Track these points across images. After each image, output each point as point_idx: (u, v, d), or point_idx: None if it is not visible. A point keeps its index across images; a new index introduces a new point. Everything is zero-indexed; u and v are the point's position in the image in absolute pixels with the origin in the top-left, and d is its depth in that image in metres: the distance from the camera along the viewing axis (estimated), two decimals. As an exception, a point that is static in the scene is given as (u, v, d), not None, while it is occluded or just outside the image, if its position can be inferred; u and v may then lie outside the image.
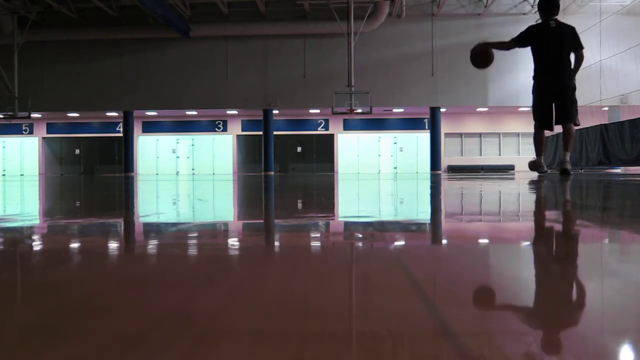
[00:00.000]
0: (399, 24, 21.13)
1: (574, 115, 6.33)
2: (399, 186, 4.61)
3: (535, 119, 6.66)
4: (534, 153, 6.86)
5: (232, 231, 1.44)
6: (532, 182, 5.02)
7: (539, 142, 6.72)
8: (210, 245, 1.13)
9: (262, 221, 1.69)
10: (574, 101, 6.40)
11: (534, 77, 6.66)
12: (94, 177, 12.87)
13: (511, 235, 1.29)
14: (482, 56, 6.46)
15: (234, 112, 23.13)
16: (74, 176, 17.50)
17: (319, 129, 24.14)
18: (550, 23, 6.52)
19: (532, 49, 6.54)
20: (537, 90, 6.57)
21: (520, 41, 6.60)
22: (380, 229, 1.37)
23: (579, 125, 6.57)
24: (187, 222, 1.63)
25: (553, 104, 6.38)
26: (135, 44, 21.69)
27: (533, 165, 7.01)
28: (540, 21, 6.69)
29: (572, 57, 6.44)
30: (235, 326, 0.51)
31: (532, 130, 6.94)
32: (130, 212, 2.12)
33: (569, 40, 6.38)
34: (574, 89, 6.39)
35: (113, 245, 1.15)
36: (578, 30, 6.75)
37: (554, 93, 6.33)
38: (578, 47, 6.37)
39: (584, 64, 6.68)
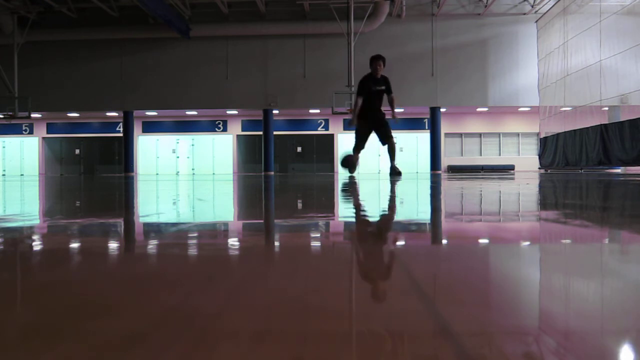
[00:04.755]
0: (399, 24, 21.11)
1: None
2: (399, 186, 4.61)
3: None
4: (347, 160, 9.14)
5: (232, 231, 1.44)
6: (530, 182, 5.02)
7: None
8: (211, 246, 1.13)
9: (262, 221, 1.69)
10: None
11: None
12: (94, 177, 12.87)
13: (510, 234, 1.29)
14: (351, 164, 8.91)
15: (234, 112, 23.12)
16: (74, 176, 17.50)
17: (319, 129, 24.13)
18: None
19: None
20: None
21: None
22: (380, 229, 1.37)
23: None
24: (187, 222, 1.63)
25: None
26: (135, 44, 21.68)
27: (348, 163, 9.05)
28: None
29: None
30: (236, 326, 0.51)
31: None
32: (130, 212, 2.12)
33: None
34: None
35: (113, 245, 1.15)
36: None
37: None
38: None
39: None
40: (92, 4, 19.84)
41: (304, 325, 0.51)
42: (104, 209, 2.28)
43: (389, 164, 9.01)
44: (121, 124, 22.93)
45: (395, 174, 8.82)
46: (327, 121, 23.91)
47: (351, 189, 4.10)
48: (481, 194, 3.14)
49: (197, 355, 0.42)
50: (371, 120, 8.54)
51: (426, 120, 22.83)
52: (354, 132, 8.89)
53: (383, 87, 8.51)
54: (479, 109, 22.39)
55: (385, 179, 7.24)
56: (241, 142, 24.88)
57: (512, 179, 7.26)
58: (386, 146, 8.71)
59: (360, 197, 3.02)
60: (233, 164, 24.69)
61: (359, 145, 8.78)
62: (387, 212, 1.99)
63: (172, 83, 21.58)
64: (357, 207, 2.22)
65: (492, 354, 0.43)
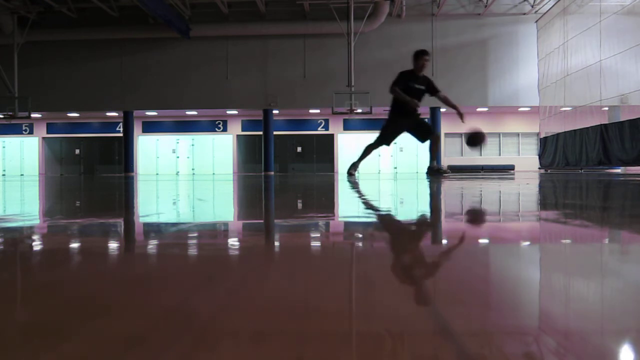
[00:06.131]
0: (399, 24, 21.11)
1: None
2: (399, 186, 4.61)
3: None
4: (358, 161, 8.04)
5: (232, 231, 1.44)
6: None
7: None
8: (211, 245, 1.13)
9: (262, 221, 1.69)
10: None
11: None
12: (93, 177, 12.87)
13: (510, 234, 1.29)
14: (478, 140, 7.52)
15: (234, 112, 23.12)
16: (74, 176, 17.50)
17: (319, 129, 24.12)
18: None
19: None
20: None
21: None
22: (380, 229, 1.37)
23: None
24: (187, 222, 1.63)
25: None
26: (135, 44, 21.68)
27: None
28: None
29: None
30: (236, 326, 0.51)
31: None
32: (130, 212, 2.12)
33: None
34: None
35: (113, 245, 1.15)
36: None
37: None
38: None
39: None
40: (92, 4, 19.84)
41: (303, 325, 0.51)
42: (104, 209, 2.28)
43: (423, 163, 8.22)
44: (121, 124, 22.93)
45: (434, 172, 7.71)
46: (327, 121, 23.91)
47: (358, 189, 4.10)
48: (481, 194, 3.14)
49: (197, 355, 0.42)
50: (409, 119, 7.55)
51: (426, 120, 22.80)
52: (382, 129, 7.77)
53: (423, 87, 7.54)
54: (478, 109, 22.39)
55: (397, 180, 7.24)
56: (241, 142, 24.87)
57: (512, 179, 7.26)
58: (427, 142, 7.72)
59: (365, 197, 3.02)
60: (233, 164, 24.69)
61: (386, 139, 7.64)
62: (387, 212, 1.99)
63: (172, 83, 21.58)
64: (359, 207, 2.22)
65: (492, 354, 0.43)
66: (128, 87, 21.82)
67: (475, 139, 7.44)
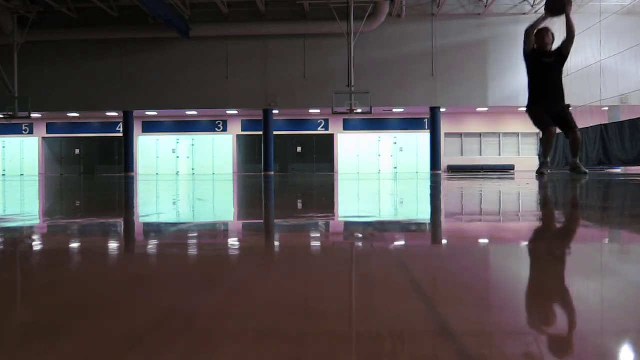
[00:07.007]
0: (399, 24, 21.11)
1: None
2: (399, 186, 4.61)
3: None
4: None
5: (232, 231, 1.44)
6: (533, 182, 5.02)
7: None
8: (211, 246, 1.13)
9: (262, 221, 1.69)
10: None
11: None
12: (93, 177, 12.87)
13: (509, 235, 1.29)
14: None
15: (234, 112, 23.12)
16: (74, 176, 17.49)
17: (319, 129, 24.12)
18: None
19: None
20: None
21: None
22: (380, 229, 1.37)
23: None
24: (187, 222, 1.63)
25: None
26: (135, 44, 21.67)
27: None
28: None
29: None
30: (236, 326, 0.51)
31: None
32: (130, 212, 2.12)
33: None
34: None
35: (113, 245, 1.15)
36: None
37: None
38: None
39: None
40: (92, 4, 19.84)
41: (303, 325, 0.51)
42: (104, 209, 2.28)
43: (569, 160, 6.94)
44: (121, 124, 22.93)
45: (576, 171, 6.75)
46: (327, 121, 23.91)
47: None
48: (481, 194, 3.14)
49: (197, 355, 0.42)
50: (544, 106, 6.66)
51: (426, 120, 22.82)
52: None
53: (552, 58, 6.63)
54: (478, 109, 22.40)
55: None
56: (241, 142, 24.87)
57: (512, 179, 7.26)
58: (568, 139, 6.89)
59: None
60: (233, 164, 24.69)
61: (542, 124, 6.70)
62: (391, 212, 1.99)
63: (172, 83, 21.58)
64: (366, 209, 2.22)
65: (492, 354, 0.43)
66: (128, 87, 21.82)
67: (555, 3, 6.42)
